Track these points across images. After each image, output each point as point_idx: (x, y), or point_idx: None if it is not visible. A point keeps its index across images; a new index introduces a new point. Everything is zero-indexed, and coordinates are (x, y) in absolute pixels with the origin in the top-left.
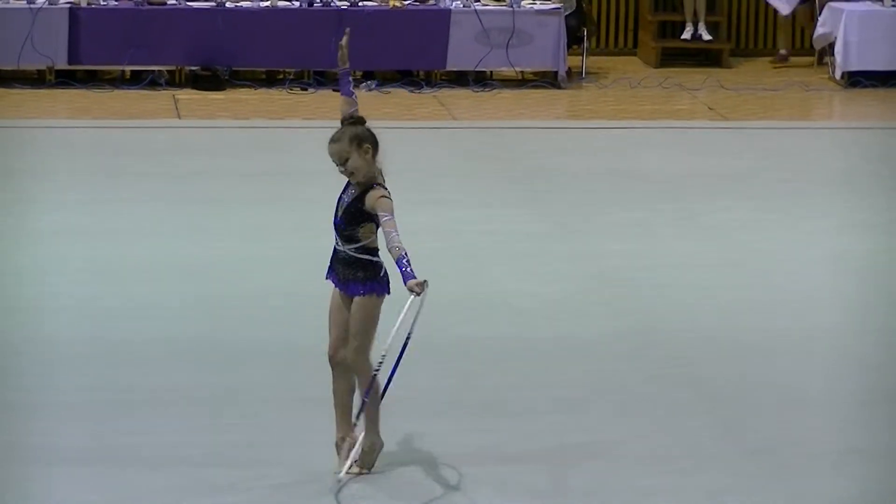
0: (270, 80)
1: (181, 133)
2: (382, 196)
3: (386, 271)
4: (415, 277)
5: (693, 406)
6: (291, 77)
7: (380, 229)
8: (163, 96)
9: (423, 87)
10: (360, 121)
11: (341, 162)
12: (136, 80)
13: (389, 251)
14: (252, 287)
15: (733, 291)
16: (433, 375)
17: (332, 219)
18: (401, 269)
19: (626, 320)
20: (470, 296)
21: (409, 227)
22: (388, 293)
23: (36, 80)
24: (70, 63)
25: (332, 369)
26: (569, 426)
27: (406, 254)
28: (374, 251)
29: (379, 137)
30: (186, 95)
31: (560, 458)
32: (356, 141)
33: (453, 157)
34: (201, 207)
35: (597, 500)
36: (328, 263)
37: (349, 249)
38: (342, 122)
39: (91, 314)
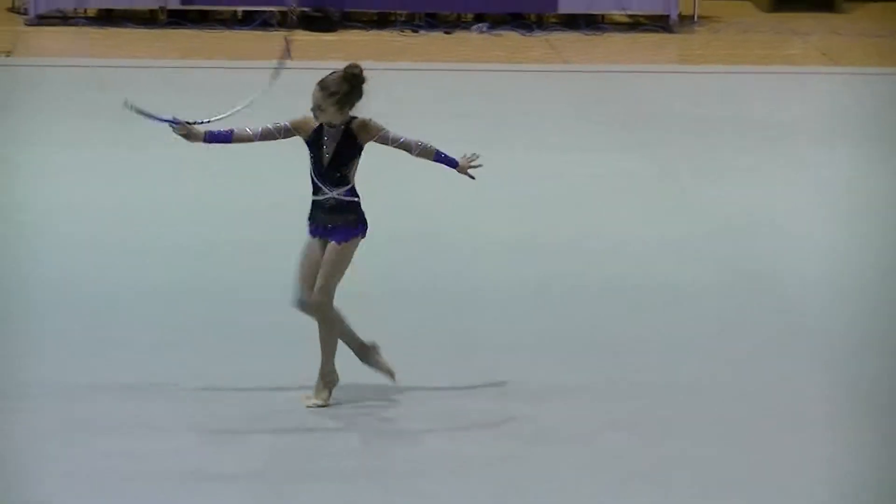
0: (382, 21)
1: (292, 74)
2: (367, 121)
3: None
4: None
5: (800, 352)
6: (403, 19)
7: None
8: (275, 37)
9: (534, 30)
10: (348, 71)
11: (317, 107)
12: (248, 20)
13: (422, 153)
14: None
15: (846, 238)
16: (538, 315)
17: (314, 170)
18: (444, 159)
19: (736, 265)
20: (578, 238)
21: (518, 170)
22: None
23: (148, 19)
24: (182, 3)
25: (312, 315)
26: (676, 369)
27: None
28: (356, 191)
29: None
30: (299, 36)
31: (666, 394)
32: (336, 91)
33: (563, 100)
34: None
35: (693, 434)
36: (309, 221)
37: (338, 194)
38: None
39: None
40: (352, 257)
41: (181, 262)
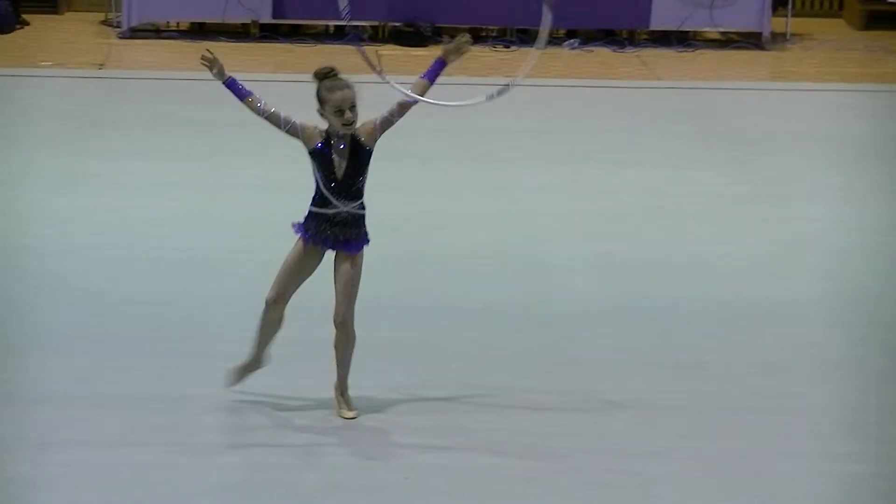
0: (473, 36)
1: (383, 89)
2: (368, 124)
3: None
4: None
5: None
6: (494, 34)
7: (406, 109)
8: (366, 51)
9: (625, 47)
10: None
11: (351, 107)
12: (339, 34)
13: (418, 90)
14: (452, 244)
15: None
16: (631, 335)
17: (324, 184)
18: (434, 72)
19: (827, 284)
20: (668, 256)
21: (609, 186)
22: None
23: (240, 33)
24: (274, 17)
25: (271, 311)
26: (768, 390)
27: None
28: (364, 204)
29: None
30: (389, 51)
31: (759, 419)
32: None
33: (655, 117)
34: (402, 163)
35: (790, 460)
36: (305, 230)
37: (353, 208)
38: (325, 76)
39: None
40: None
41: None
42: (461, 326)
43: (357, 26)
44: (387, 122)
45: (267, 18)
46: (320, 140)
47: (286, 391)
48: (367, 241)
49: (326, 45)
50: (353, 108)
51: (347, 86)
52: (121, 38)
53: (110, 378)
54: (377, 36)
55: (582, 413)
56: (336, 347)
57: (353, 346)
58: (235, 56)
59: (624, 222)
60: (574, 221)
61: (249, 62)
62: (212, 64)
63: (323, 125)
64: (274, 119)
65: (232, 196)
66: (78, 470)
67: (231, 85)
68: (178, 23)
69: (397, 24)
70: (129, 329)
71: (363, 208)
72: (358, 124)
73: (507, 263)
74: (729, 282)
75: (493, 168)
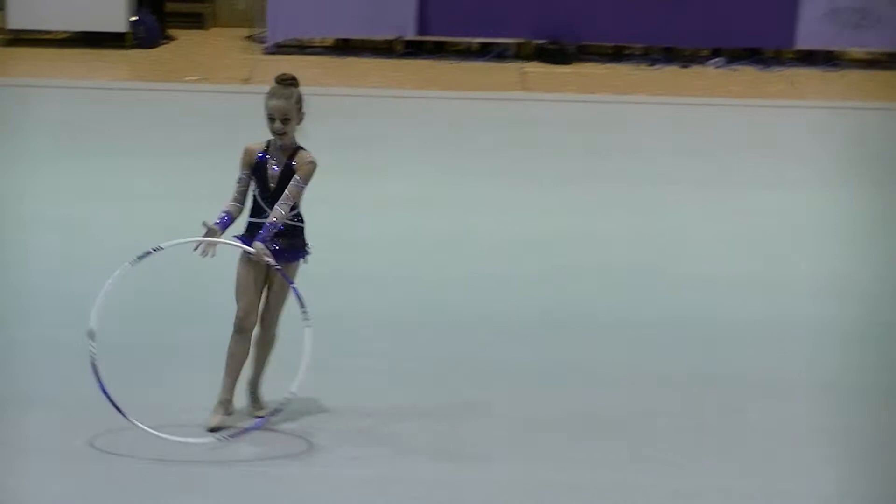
0: (617, 55)
1: (527, 106)
2: (311, 161)
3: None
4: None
5: None
6: (638, 53)
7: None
8: (509, 69)
9: (771, 66)
10: (297, 81)
11: (282, 119)
12: (484, 52)
13: (274, 211)
14: (590, 261)
15: None
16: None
17: (258, 192)
18: (265, 232)
19: None
20: (823, 275)
21: (753, 207)
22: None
23: (384, 49)
24: (419, 34)
25: (237, 334)
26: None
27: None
28: (301, 216)
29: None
30: (533, 68)
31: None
32: (300, 104)
33: (800, 137)
34: (546, 181)
35: None
36: (240, 239)
37: (287, 218)
38: (277, 81)
39: (419, 286)
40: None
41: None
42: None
43: (501, 44)
44: (294, 185)
45: (411, 35)
46: (262, 150)
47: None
48: (302, 255)
49: (471, 63)
50: (285, 120)
51: (286, 97)
52: (266, 53)
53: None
54: (521, 53)
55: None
56: (258, 346)
57: (271, 348)
58: (379, 72)
59: (773, 242)
60: (716, 243)
61: (393, 78)
62: (210, 243)
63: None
64: (244, 192)
65: (378, 212)
66: None
67: (224, 227)
68: (322, 39)
69: (542, 41)
70: None
71: (300, 220)
72: (298, 146)
73: (662, 280)
74: (872, 303)
75: (631, 186)
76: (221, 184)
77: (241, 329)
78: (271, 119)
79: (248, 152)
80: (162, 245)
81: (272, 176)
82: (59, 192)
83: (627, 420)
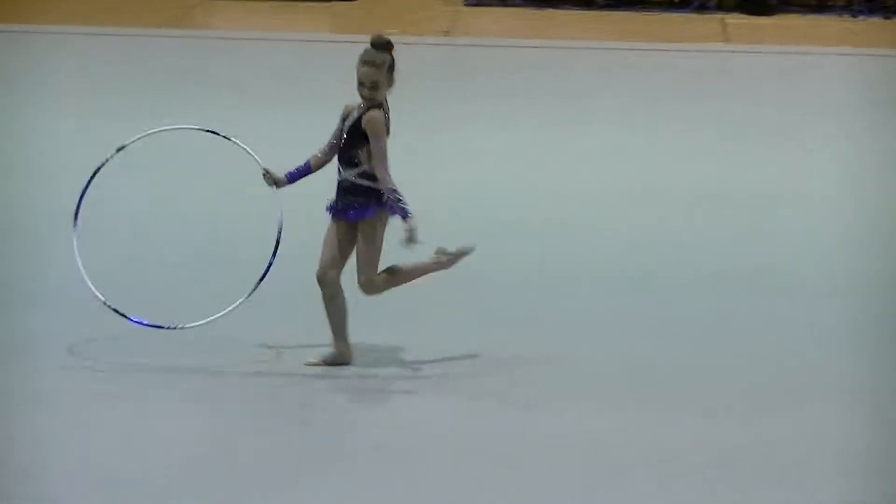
0: (821, 5)
1: (729, 57)
2: (372, 118)
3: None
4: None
5: None
6: (842, 4)
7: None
8: (711, 20)
9: None
10: (391, 46)
11: (370, 86)
12: (685, 3)
13: (378, 176)
14: (795, 222)
15: None
16: None
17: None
18: (391, 202)
19: None
20: None
21: None
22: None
23: (585, 2)
24: None
25: (321, 289)
26: None
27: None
28: (370, 175)
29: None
30: (735, 20)
31: None
32: (392, 71)
33: None
34: (745, 134)
35: None
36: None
37: (352, 176)
38: (372, 44)
39: (622, 239)
40: (379, 237)
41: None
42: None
43: None
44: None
45: None
46: (351, 109)
47: None
48: (372, 213)
49: (671, 14)
50: (373, 86)
51: (378, 65)
52: (466, 5)
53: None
54: (722, 5)
55: None
56: (326, 310)
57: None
58: (579, 25)
59: None
60: None
61: (593, 31)
62: (274, 183)
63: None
64: (333, 148)
65: (583, 164)
66: None
67: (294, 178)
68: None
69: None
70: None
71: (364, 179)
72: (375, 104)
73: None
74: None
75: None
76: (421, 138)
77: (320, 283)
78: (361, 84)
79: (344, 108)
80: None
81: (345, 132)
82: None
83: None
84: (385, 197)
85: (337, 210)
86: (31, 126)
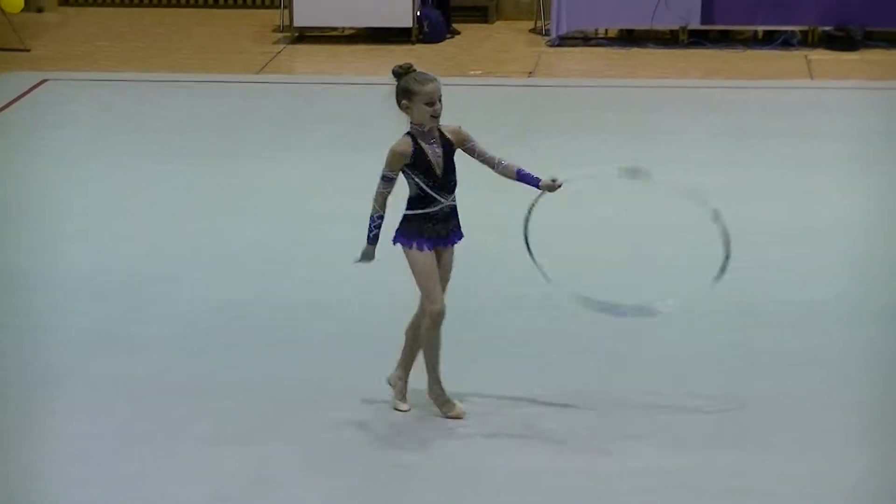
0: None
1: (813, 93)
2: (457, 128)
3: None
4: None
5: None
6: None
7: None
8: (795, 56)
9: None
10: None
11: (439, 99)
12: (769, 39)
13: (504, 171)
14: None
15: None
16: None
17: (426, 183)
18: (526, 177)
19: None
20: None
21: None
22: None
23: (668, 39)
24: (703, 23)
25: (440, 324)
26: None
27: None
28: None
29: None
30: (819, 56)
31: None
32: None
33: None
34: (832, 169)
35: None
36: (406, 234)
37: (452, 200)
38: (405, 71)
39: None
40: None
41: None
42: None
43: (787, 31)
44: (472, 151)
45: (696, 24)
46: (412, 145)
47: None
48: (462, 233)
49: (756, 51)
50: (440, 99)
51: (435, 79)
52: (550, 45)
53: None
54: (807, 41)
55: None
56: (433, 342)
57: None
58: (664, 62)
59: None
60: None
61: (677, 68)
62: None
63: (403, 129)
64: (389, 187)
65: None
66: None
67: (375, 237)
68: (606, 30)
69: (828, 28)
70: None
71: (455, 201)
72: (451, 126)
73: None
74: None
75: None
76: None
77: (442, 316)
78: (430, 103)
79: (401, 154)
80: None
81: (436, 162)
82: (349, 190)
83: None
84: None
85: (443, 238)
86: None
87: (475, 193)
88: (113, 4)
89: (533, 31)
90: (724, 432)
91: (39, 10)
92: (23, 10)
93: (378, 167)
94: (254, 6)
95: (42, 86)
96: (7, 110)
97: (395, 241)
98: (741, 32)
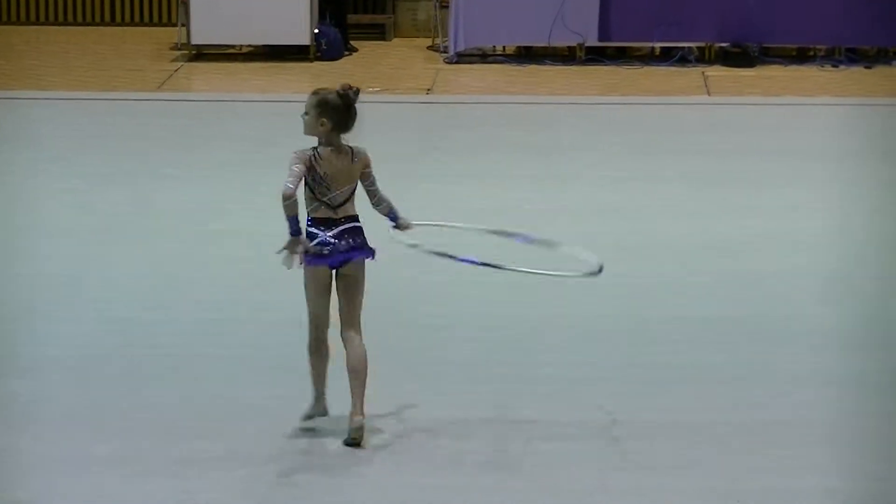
0: (801, 56)
1: (711, 110)
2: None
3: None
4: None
5: None
6: (822, 54)
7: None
8: (692, 73)
9: None
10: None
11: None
12: (666, 56)
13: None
14: (784, 265)
15: None
16: None
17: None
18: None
19: None
20: None
21: None
22: None
23: (566, 56)
24: (600, 40)
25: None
26: None
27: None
28: None
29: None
30: (716, 72)
31: None
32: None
33: None
34: (730, 185)
35: None
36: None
37: None
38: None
39: (620, 291)
40: None
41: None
42: None
43: (685, 47)
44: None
45: (593, 41)
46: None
47: None
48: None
49: (653, 67)
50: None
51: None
52: (447, 62)
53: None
54: (704, 57)
55: None
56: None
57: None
58: (561, 79)
59: None
60: None
61: (575, 85)
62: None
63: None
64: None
65: (563, 220)
66: None
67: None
68: (504, 47)
69: (725, 45)
70: (458, 353)
71: None
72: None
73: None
74: None
75: (822, 189)
76: (403, 193)
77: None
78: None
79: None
80: None
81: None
82: (246, 205)
83: None
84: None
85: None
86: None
87: None
88: (8, 22)
89: (431, 48)
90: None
91: None
92: None
93: (280, 184)
94: (151, 24)
95: None
96: None
97: (372, 254)
98: (638, 49)
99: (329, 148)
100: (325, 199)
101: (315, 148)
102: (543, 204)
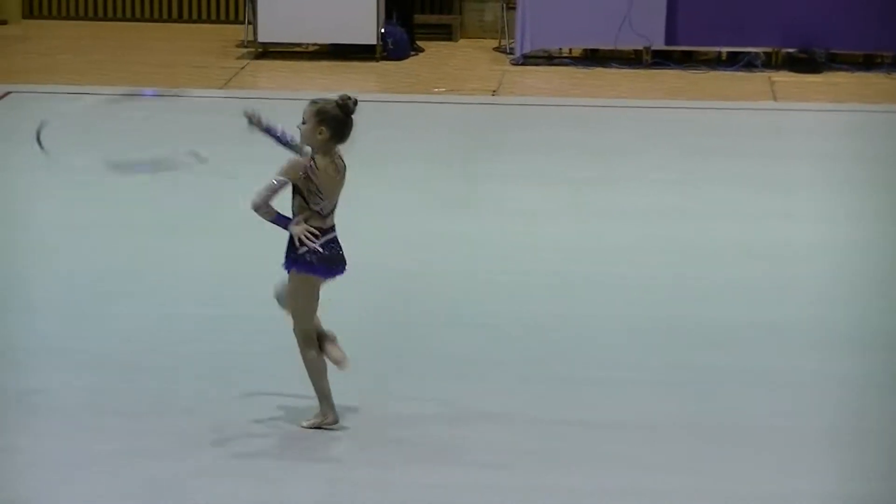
0: (868, 63)
1: (776, 115)
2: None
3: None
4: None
5: None
6: (890, 61)
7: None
8: (758, 78)
9: None
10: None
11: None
12: (732, 61)
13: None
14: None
15: None
16: None
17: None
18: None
19: None
20: None
21: None
22: None
23: (632, 59)
24: (667, 44)
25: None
26: None
27: None
28: None
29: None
30: (782, 77)
31: None
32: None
33: None
34: (791, 190)
35: None
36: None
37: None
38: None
39: (674, 294)
40: None
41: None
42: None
43: (750, 53)
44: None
45: (659, 45)
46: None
47: None
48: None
49: (719, 72)
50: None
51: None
52: (513, 64)
53: (488, 399)
54: (770, 62)
55: None
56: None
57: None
58: (626, 83)
59: None
60: None
61: (640, 89)
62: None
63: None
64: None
65: (620, 222)
66: None
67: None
68: (570, 49)
69: (791, 50)
70: (513, 352)
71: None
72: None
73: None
74: None
75: (877, 195)
76: (465, 193)
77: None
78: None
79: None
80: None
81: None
82: None
83: None
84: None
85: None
86: None
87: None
88: (77, 17)
89: (497, 49)
90: (678, 456)
91: (3, 23)
92: None
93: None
94: (218, 21)
95: (5, 98)
96: None
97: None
98: (705, 53)
99: (325, 158)
100: (316, 208)
101: (311, 158)
102: (600, 206)
